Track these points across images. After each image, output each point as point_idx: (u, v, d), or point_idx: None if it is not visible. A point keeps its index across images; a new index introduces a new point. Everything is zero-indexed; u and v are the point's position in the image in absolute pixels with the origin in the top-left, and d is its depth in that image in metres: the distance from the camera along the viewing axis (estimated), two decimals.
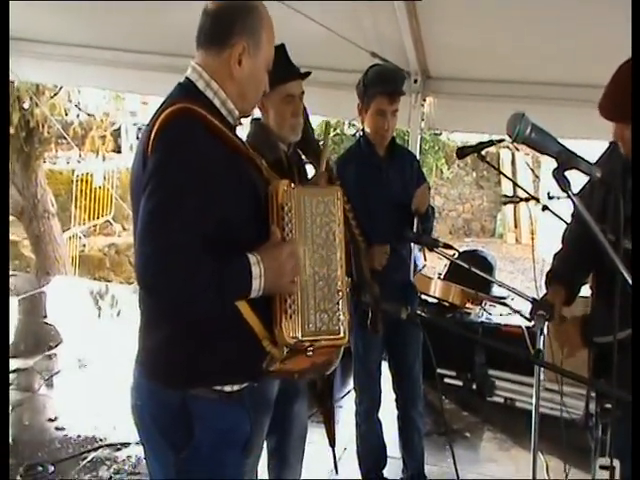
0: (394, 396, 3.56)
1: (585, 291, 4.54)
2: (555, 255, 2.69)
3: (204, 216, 1.70)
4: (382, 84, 3.22)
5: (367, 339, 3.24)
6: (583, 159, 1.80)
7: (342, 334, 1.94)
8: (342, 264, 1.97)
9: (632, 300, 1.71)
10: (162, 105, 1.82)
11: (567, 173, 1.77)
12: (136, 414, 1.94)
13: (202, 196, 1.69)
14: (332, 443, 2.85)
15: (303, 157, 2.94)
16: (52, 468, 3.81)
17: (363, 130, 3.36)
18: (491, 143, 3.21)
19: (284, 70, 2.60)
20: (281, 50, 2.61)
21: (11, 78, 6.40)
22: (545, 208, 2.99)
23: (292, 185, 1.95)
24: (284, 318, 1.86)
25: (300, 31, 3.53)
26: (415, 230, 3.21)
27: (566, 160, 1.79)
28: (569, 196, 1.76)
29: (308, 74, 2.76)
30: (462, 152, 3.06)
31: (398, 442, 3.60)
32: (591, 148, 2.64)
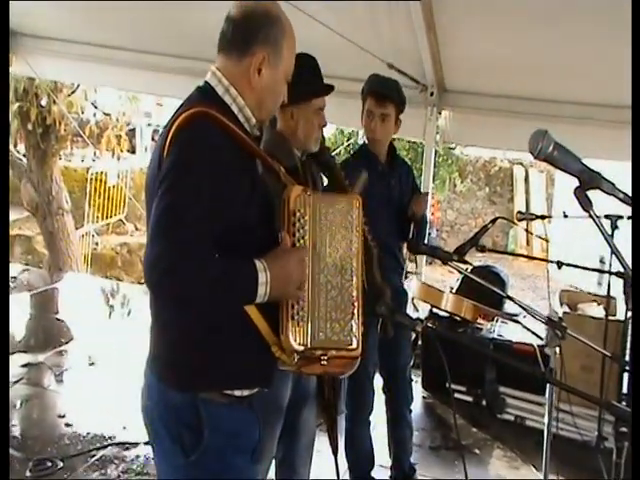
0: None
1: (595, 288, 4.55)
2: None
3: (215, 218, 1.70)
4: (371, 86, 3.42)
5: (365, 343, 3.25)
6: (605, 179, 1.78)
7: (354, 345, 1.93)
8: (358, 274, 1.96)
9: (632, 300, 1.70)
10: (180, 108, 1.83)
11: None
12: (146, 415, 1.95)
13: (214, 198, 1.69)
14: (335, 451, 2.85)
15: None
16: (61, 464, 3.82)
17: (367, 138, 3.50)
18: (485, 229, 3.26)
19: (319, 84, 2.74)
20: (314, 63, 2.71)
21: (31, 75, 6.44)
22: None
23: (307, 192, 1.95)
24: (291, 325, 1.86)
25: (317, 39, 3.57)
26: (411, 236, 3.38)
27: (588, 179, 1.77)
28: (590, 216, 1.75)
29: (333, 88, 2.83)
30: (461, 251, 3.11)
31: (387, 440, 3.67)
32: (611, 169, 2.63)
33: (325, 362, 1.91)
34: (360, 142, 13.52)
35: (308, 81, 2.66)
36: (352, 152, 3.40)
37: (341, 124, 8.61)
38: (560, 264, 3.13)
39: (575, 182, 1.76)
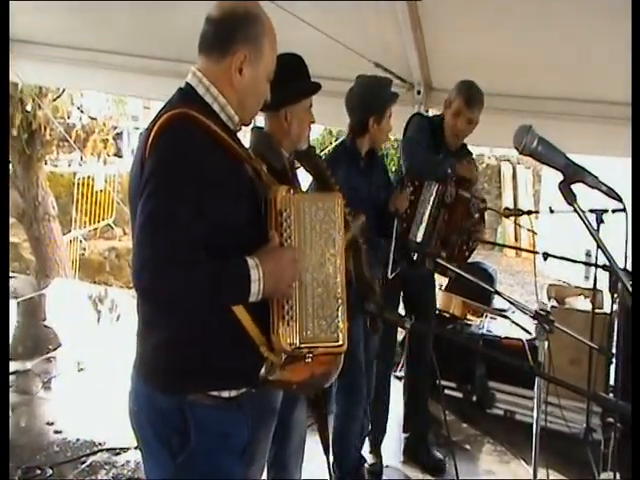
0: None
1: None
2: None
3: (201, 221, 1.69)
4: (393, 94, 3.53)
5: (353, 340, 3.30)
6: (590, 173, 1.79)
7: (340, 341, 1.94)
8: (341, 271, 1.96)
9: (632, 302, 1.70)
10: (161, 110, 1.82)
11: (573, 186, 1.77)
12: (133, 419, 1.94)
13: (199, 201, 1.69)
14: (327, 450, 2.84)
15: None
16: (50, 471, 3.80)
17: (352, 136, 3.53)
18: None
19: (311, 82, 2.76)
20: (302, 62, 2.73)
21: (15, 80, 6.40)
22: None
23: (291, 191, 1.95)
24: (281, 324, 1.86)
25: (303, 39, 3.58)
26: (396, 231, 3.38)
27: (572, 173, 1.77)
28: (575, 210, 1.75)
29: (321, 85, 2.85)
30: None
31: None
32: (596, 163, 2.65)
33: (310, 360, 1.91)
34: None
35: (301, 80, 2.71)
36: (334, 149, 3.41)
37: (329, 124, 8.63)
38: (546, 256, 3.18)
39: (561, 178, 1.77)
